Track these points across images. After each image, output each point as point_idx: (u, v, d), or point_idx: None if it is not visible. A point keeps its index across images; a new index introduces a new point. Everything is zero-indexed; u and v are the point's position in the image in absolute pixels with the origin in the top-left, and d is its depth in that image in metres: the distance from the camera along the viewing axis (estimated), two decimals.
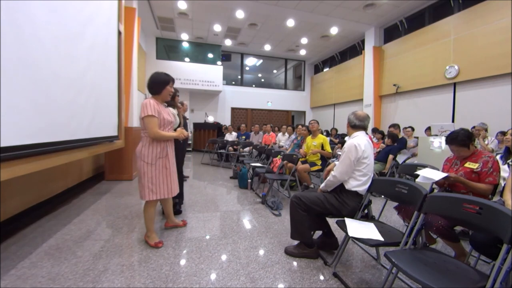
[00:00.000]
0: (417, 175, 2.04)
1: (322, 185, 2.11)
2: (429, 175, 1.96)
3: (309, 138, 4.30)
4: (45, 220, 2.66)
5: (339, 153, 4.64)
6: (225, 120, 10.77)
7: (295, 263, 1.98)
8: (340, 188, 2.04)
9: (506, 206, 1.67)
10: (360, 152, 1.93)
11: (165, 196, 2.14)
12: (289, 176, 3.52)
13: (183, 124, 2.91)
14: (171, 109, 2.41)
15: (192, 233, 2.46)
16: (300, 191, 3.34)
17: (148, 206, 2.15)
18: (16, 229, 2.39)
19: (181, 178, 3.02)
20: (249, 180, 4.30)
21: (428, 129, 5.36)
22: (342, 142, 5.24)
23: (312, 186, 4.05)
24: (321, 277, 1.80)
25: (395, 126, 5.35)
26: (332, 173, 2.02)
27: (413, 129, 5.57)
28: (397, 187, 1.78)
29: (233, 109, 11.13)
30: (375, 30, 7.70)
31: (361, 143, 1.95)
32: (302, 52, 10.40)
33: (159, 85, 2.09)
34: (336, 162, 2.51)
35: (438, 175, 1.94)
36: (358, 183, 1.96)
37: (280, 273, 1.83)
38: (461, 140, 2.01)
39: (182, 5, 6.76)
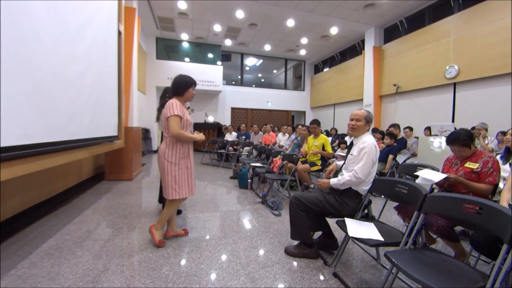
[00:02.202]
0: (417, 176, 2.04)
1: (335, 181, 1.97)
2: (429, 177, 1.95)
3: (310, 138, 4.30)
4: (45, 220, 2.66)
5: (340, 153, 4.64)
6: (225, 120, 10.77)
7: (295, 263, 1.98)
8: (340, 189, 2.04)
9: (500, 203, 1.67)
10: (378, 153, 1.95)
11: (187, 195, 2.19)
12: (289, 176, 3.52)
13: None
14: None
15: (192, 233, 2.46)
16: (300, 191, 3.34)
17: (173, 204, 2.19)
18: (16, 229, 2.39)
19: None
20: (249, 180, 4.30)
21: (427, 129, 5.36)
22: (343, 143, 5.23)
23: (312, 186, 4.05)
24: (321, 277, 1.80)
25: (395, 126, 5.35)
26: (355, 174, 1.90)
27: (411, 129, 5.56)
28: (397, 187, 1.78)
29: (233, 109, 11.13)
30: (375, 30, 7.70)
31: (376, 144, 1.96)
32: (302, 52, 10.40)
33: (182, 86, 2.18)
34: (338, 163, 2.51)
35: (437, 176, 1.93)
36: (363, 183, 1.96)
37: (280, 273, 1.83)
38: (463, 140, 2.00)
39: (182, 5, 6.76)
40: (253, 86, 11.58)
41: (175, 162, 2.12)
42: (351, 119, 2.07)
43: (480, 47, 5.08)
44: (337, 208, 1.97)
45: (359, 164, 1.92)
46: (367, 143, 1.94)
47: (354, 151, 2.02)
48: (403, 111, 7.10)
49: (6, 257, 1.91)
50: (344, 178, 1.94)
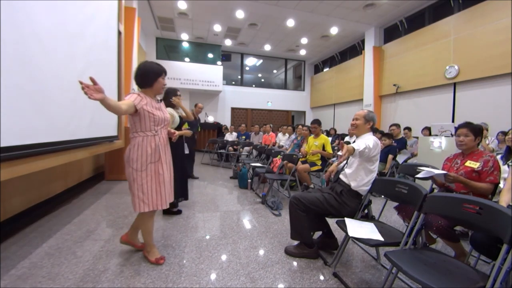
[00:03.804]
0: (418, 178, 2.06)
1: (356, 146, 1.80)
2: (430, 169, 2.01)
3: (311, 138, 4.30)
4: (45, 220, 2.66)
5: (340, 153, 4.64)
6: (225, 120, 10.76)
7: (295, 263, 1.98)
8: (340, 189, 2.04)
9: (500, 203, 1.67)
10: (379, 149, 1.96)
11: (157, 207, 1.83)
12: (289, 176, 3.52)
13: (194, 124, 2.92)
14: (166, 107, 2.10)
15: (192, 233, 2.46)
16: (300, 191, 3.34)
17: (144, 218, 1.87)
18: (16, 229, 2.39)
19: (184, 177, 3.02)
20: (249, 180, 4.30)
21: (425, 128, 5.35)
22: (346, 143, 5.20)
23: (312, 186, 4.05)
24: (321, 277, 1.80)
25: (396, 125, 5.35)
26: (366, 147, 1.83)
27: (409, 130, 5.57)
28: (397, 187, 1.78)
29: (233, 109, 11.13)
30: (375, 30, 7.70)
31: (378, 141, 1.98)
32: (302, 52, 10.40)
33: (150, 76, 1.80)
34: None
35: (438, 171, 1.98)
36: (364, 182, 1.96)
37: (280, 273, 1.83)
38: (474, 128, 2.03)
39: (182, 5, 6.75)
40: (253, 86, 11.58)
41: (141, 169, 1.75)
42: (352, 119, 2.12)
43: (480, 47, 5.08)
44: (337, 208, 1.97)
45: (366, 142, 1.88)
46: (374, 138, 1.97)
47: None
48: (403, 111, 7.10)
49: (6, 257, 1.91)
50: (361, 146, 1.83)
